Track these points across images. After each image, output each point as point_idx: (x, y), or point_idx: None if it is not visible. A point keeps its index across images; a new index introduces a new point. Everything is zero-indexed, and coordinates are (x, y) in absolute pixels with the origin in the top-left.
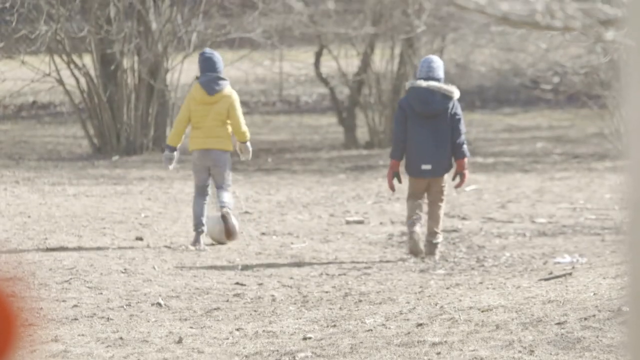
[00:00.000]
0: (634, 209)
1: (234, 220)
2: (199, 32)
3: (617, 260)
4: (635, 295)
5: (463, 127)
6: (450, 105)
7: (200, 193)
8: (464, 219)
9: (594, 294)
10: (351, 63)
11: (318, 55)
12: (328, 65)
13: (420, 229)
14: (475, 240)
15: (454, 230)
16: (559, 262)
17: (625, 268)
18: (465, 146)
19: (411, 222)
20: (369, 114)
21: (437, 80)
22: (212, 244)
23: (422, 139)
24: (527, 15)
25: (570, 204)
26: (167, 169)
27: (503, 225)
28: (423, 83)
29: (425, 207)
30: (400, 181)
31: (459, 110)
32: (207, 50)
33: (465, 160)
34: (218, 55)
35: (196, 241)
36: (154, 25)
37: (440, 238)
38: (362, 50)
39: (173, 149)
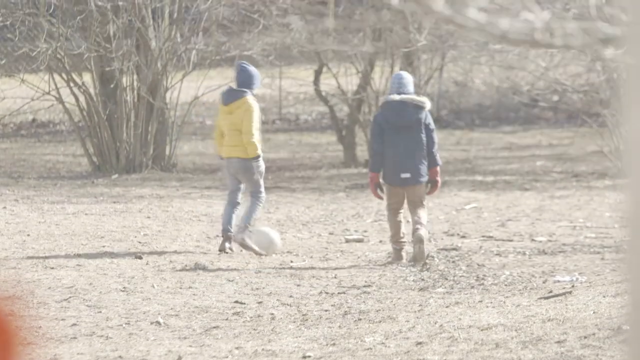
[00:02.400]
0: (633, 228)
1: (241, 241)
2: (198, 50)
3: (617, 278)
4: (636, 314)
5: (436, 136)
6: (423, 115)
7: (230, 201)
8: (463, 237)
9: (594, 312)
10: (351, 81)
11: (317, 73)
12: (327, 84)
13: (406, 252)
14: (475, 259)
15: (454, 249)
16: (558, 281)
17: (625, 286)
18: (438, 155)
19: (398, 247)
20: (368, 132)
21: (408, 94)
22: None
23: (399, 149)
24: (527, 33)
25: (570, 222)
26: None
27: (503, 243)
28: (396, 97)
29: (405, 226)
30: (382, 190)
31: (431, 121)
32: (242, 63)
33: (438, 168)
34: (250, 69)
35: (222, 246)
36: (153, 44)
37: (425, 230)
38: (361, 68)
39: (220, 157)
